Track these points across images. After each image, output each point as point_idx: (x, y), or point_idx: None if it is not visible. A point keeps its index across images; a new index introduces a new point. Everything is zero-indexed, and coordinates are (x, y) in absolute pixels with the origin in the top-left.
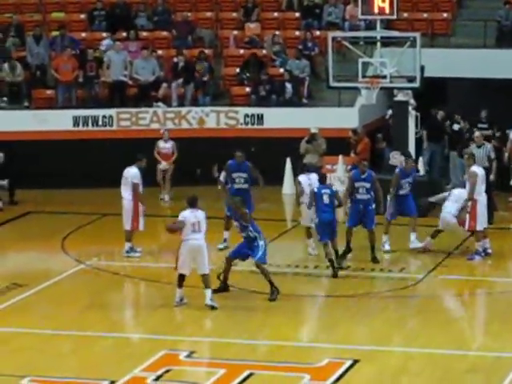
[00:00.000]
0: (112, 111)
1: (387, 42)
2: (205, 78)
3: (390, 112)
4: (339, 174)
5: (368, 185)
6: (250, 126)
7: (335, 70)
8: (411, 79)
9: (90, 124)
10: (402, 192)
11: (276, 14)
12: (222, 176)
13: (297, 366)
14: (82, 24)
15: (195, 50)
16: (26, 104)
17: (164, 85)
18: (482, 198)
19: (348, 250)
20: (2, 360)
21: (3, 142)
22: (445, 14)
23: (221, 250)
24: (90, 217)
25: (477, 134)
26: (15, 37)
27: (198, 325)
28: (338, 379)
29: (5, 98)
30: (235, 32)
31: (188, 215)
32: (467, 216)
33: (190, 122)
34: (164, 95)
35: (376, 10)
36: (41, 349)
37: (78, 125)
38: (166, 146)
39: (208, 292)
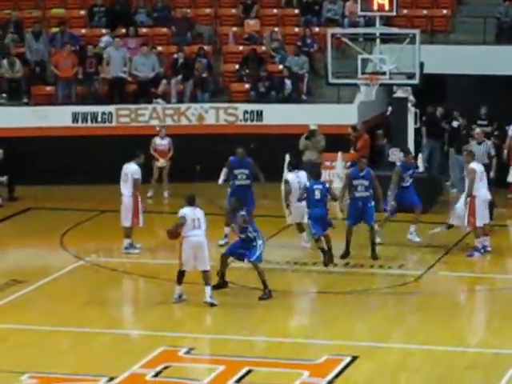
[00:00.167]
0: (111, 108)
1: (387, 39)
2: (204, 75)
3: (390, 109)
4: (338, 170)
5: (366, 182)
6: (249, 123)
7: (334, 66)
8: (410, 76)
9: (89, 120)
10: (404, 184)
11: (275, 11)
12: (221, 180)
13: (296, 363)
14: (82, 20)
15: (194, 47)
16: (26, 100)
17: (163, 81)
18: (480, 195)
19: (347, 253)
20: (1, 356)
21: (3, 139)
22: (444, 11)
23: (221, 245)
24: (89, 213)
25: (477, 130)
26: (14, 33)
27: (197, 321)
28: (337, 376)
29: (4, 95)
30: (234, 28)
31: (188, 212)
32: (466, 213)
33: (190, 119)
34: (163, 92)
35: (375, 7)
36: (40, 345)
37: (78, 121)
38: (162, 142)
39: (208, 289)
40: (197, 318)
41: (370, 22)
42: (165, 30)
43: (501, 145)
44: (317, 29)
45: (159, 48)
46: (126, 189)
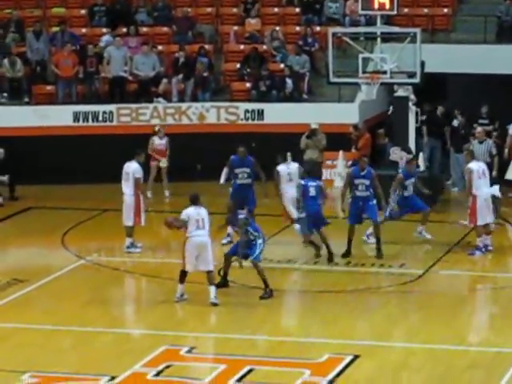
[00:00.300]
0: (112, 107)
1: (387, 38)
2: (205, 74)
3: (392, 108)
4: (339, 169)
5: (367, 182)
6: (250, 122)
7: (335, 65)
8: (411, 75)
9: (90, 120)
10: (406, 194)
11: (276, 10)
12: (223, 179)
13: (297, 362)
14: (83, 20)
15: (195, 46)
16: (27, 100)
17: (164, 80)
18: (481, 194)
19: (348, 252)
20: (3, 356)
21: (4, 138)
22: (445, 10)
23: (224, 245)
24: (90, 212)
25: (479, 129)
26: (15, 32)
27: (199, 320)
28: (339, 374)
29: (5, 94)
30: (235, 27)
31: (192, 212)
32: (468, 211)
33: (191, 118)
34: (164, 91)
35: (376, 6)
36: (41, 344)
37: (79, 120)
38: (161, 142)
39: (212, 289)
40: (198, 317)
41: (370, 21)
42: (165, 29)
43: (502, 144)
44: (318, 28)
45: (160, 47)
46: (127, 188)
